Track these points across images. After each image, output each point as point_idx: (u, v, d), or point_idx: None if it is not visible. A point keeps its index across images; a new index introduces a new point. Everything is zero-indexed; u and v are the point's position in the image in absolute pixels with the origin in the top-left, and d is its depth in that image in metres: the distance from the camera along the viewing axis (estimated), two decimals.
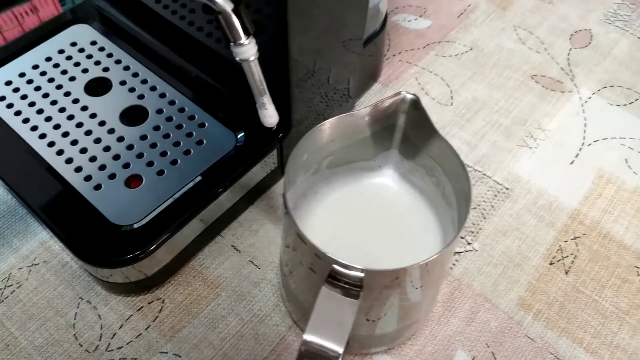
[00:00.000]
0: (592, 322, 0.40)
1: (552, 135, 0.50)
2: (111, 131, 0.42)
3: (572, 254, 0.43)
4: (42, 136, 0.42)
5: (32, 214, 0.43)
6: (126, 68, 0.46)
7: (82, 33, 0.49)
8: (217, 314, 0.40)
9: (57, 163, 0.41)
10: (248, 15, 0.30)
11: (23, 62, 0.46)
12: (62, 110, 0.43)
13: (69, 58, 0.47)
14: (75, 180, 0.40)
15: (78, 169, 0.40)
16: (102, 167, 0.40)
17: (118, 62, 0.47)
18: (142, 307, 0.40)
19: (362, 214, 0.39)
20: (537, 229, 0.44)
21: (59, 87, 0.45)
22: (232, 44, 0.31)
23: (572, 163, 0.48)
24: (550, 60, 0.55)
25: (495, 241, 0.44)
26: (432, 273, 0.31)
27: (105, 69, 0.46)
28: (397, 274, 0.28)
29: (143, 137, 0.42)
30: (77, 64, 0.46)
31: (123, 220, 0.38)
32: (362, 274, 0.28)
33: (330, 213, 0.38)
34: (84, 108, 0.44)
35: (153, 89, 0.45)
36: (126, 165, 0.40)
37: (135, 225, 0.38)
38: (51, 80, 0.45)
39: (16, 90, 0.45)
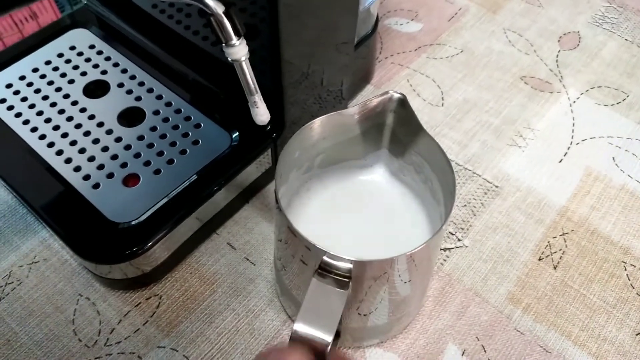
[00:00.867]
0: (580, 316, 0.41)
1: (541, 134, 0.51)
2: (109, 132, 0.43)
3: (560, 250, 0.44)
4: (42, 137, 0.43)
5: (32, 213, 0.44)
6: (124, 71, 0.47)
7: (81, 37, 0.50)
8: (214, 309, 0.41)
9: (57, 163, 0.42)
10: (239, 17, 0.32)
11: (23, 66, 0.48)
12: (61, 112, 0.45)
13: (68, 61, 0.48)
14: (74, 179, 0.41)
15: (77, 169, 0.41)
16: (101, 167, 0.41)
17: (116, 65, 0.48)
18: (139, 303, 0.41)
19: (353, 211, 0.40)
20: (526, 225, 0.45)
21: (59, 89, 0.46)
22: (223, 45, 0.32)
23: (560, 161, 0.49)
24: (539, 61, 0.57)
25: (485, 237, 0.45)
26: (419, 265, 0.32)
27: (104, 72, 0.47)
28: (384, 264, 0.29)
29: (140, 138, 0.43)
30: (75, 67, 0.48)
31: (121, 218, 0.39)
32: (350, 265, 0.29)
33: (322, 209, 0.39)
34: (83, 110, 0.45)
35: (150, 90, 0.46)
36: (124, 165, 0.42)
37: (133, 223, 0.39)
38: (51, 83, 0.46)
39: (17, 92, 0.46)
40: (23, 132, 0.43)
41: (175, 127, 0.44)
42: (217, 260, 0.43)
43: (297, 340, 0.28)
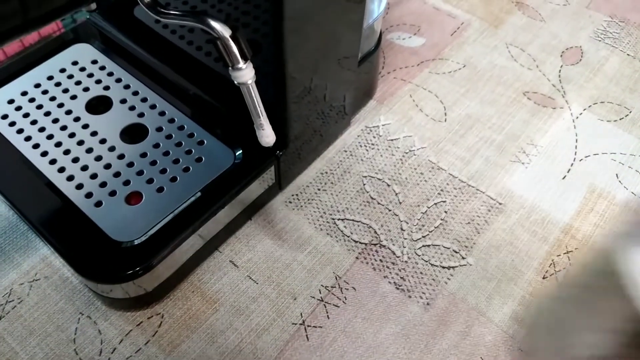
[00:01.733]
0: None
1: (544, 151, 0.51)
2: (112, 149, 0.43)
3: (564, 268, 0.44)
4: (44, 154, 0.43)
5: (33, 230, 0.43)
6: (126, 86, 0.47)
7: (83, 52, 0.50)
8: (216, 328, 0.40)
9: (59, 180, 0.41)
10: (245, 40, 0.31)
11: (25, 81, 0.47)
12: (63, 128, 0.44)
13: (70, 77, 0.48)
14: (76, 197, 0.40)
15: (79, 186, 0.41)
16: (103, 184, 0.41)
17: (118, 80, 0.47)
18: (141, 322, 0.40)
19: None
20: (530, 243, 0.45)
21: (61, 105, 0.46)
22: (230, 68, 0.32)
23: (564, 178, 0.49)
24: (541, 77, 0.57)
25: (489, 255, 0.44)
26: None
27: (106, 88, 0.47)
28: None
29: (143, 155, 0.43)
30: (78, 83, 0.47)
31: (123, 236, 0.39)
32: None
33: None
34: (85, 126, 0.44)
35: (153, 107, 0.46)
36: (126, 183, 0.41)
37: (136, 242, 0.38)
38: (53, 98, 0.46)
39: (18, 108, 0.46)
40: (25, 148, 0.43)
41: (179, 144, 0.43)
42: (219, 279, 0.43)
43: None
